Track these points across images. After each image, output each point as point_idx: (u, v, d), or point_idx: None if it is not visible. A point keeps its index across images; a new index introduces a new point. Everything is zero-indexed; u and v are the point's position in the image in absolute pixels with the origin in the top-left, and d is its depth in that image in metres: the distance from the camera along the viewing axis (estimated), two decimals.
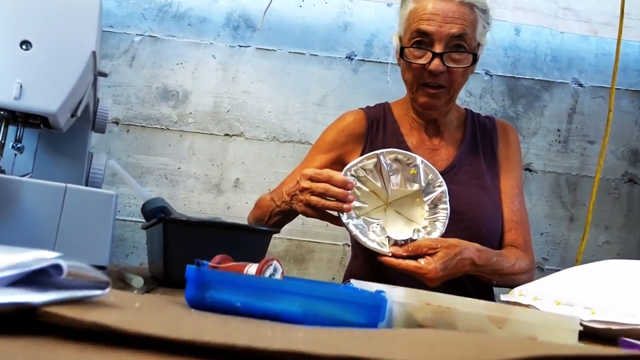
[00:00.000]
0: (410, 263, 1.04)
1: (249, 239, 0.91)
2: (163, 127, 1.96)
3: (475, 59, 1.23)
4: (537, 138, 2.00)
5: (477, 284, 1.30)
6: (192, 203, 1.93)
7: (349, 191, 1.03)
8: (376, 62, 1.99)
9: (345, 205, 1.01)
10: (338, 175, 1.03)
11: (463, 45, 1.20)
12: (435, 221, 1.11)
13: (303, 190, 1.05)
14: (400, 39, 1.27)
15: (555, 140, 2.00)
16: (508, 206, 1.34)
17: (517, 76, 2.02)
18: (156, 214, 0.98)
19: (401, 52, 1.24)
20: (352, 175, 1.09)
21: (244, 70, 2.00)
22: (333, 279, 1.92)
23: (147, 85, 1.98)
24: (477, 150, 1.36)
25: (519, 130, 2.00)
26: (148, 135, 1.96)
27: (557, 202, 1.98)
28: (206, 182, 1.95)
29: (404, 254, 1.05)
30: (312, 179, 1.04)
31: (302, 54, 2.01)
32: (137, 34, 2.00)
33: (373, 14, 2.01)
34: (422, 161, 1.11)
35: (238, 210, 1.93)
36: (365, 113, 1.40)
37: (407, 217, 1.15)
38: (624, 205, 1.98)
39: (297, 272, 1.93)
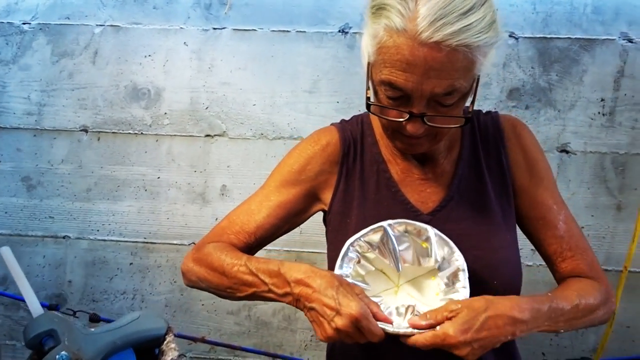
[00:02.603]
0: (428, 334, 0.77)
1: None
2: (136, 131, 1.64)
3: (467, 120, 0.83)
4: (575, 112, 1.56)
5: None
6: (176, 216, 1.63)
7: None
8: None
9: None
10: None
11: (453, 96, 0.80)
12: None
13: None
14: (369, 64, 0.86)
15: (599, 113, 1.56)
16: (552, 234, 0.95)
17: (549, 36, 1.56)
18: (43, 340, 0.69)
19: (367, 106, 0.85)
20: (357, 252, 0.87)
21: (221, 58, 1.62)
22: None
23: (114, 85, 1.64)
24: (480, 169, 0.96)
25: (553, 103, 1.56)
26: (121, 143, 1.64)
27: (601, 188, 1.56)
28: (189, 191, 1.64)
29: (424, 323, 0.78)
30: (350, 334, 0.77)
31: (287, 31, 1.61)
32: (97, 25, 1.64)
33: None
34: (435, 234, 0.86)
35: None
36: (339, 133, 1.02)
37: (421, 299, 0.89)
38: None
39: None
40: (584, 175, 1.56)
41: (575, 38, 1.55)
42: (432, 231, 0.87)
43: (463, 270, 0.86)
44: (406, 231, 0.88)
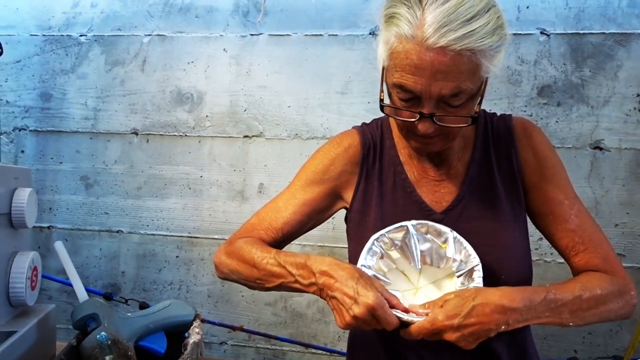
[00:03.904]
0: (419, 322, 0.82)
1: None
2: (181, 133, 1.77)
3: (474, 120, 0.88)
4: (609, 108, 1.55)
5: (514, 352, 1.01)
6: (217, 213, 1.75)
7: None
8: None
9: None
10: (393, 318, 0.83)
11: (460, 97, 0.86)
12: None
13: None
14: (384, 68, 0.93)
15: (635, 109, 1.54)
16: (563, 228, 0.97)
17: (582, 32, 1.56)
18: (87, 322, 0.81)
19: (381, 107, 0.92)
20: (381, 247, 0.93)
21: (258, 62, 1.72)
22: None
23: (160, 90, 1.78)
24: (491, 170, 1.01)
25: (586, 100, 1.56)
26: (167, 144, 1.78)
27: (636, 185, 1.54)
28: (229, 189, 1.75)
29: (420, 311, 0.84)
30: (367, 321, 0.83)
31: (320, 35, 1.69)
32: (146, 35, 1.78)
33: None
34: (454, 236, 0.92)
35: None
36: (360, 136, 1.09)
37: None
38: None
39: None
40: (619, 172, 1.55)
41: (610, 33, 1.54)
42: (451, 234, 0.93)
43: (478, 270, 0.90)
44: (427, 232, 0.93)
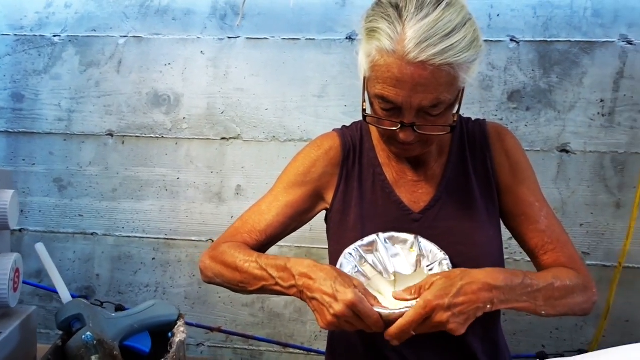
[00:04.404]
0: (410, 311, 0.83)
1: None
2: (157, 135, 1.77)
3: (453, 128, 0.94)
4: (575, 113, 1.62)
5: (487, 347, 1.05)
6: (194, 215, 1.76)
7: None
8: None
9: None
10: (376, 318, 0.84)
11: (439, 107, 0.90)
12: None
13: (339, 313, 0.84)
14: (365, 79, 0.97)
15: (598, 114, 1.62)
16: (534, 228, 1.03)
17: (549, 40, 1.62)
18: (71, 323, 0.81)
19: (364, 117, 0.96)
20: (354, 262, 0.96)
21: (235, 65, 1.74)
22: None
23: (136, 92, 1.77)
24: (467, 172, 1.05)
25: (553, 105, 1.63)
26: (143, 146, 1.77)
27: (600, 187, 1.62)
28: (207, 191, 1.76)
29: (408, 297, 0.87)
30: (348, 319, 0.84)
31: (297, 39, 1.71)
32: (121, 36, 1.77)
33: None
34: (419, 240, 0.97)
35: None
36: (340, 138, 1.12)
37: None
38: None
39: None
40: (584, 174, 1.62)
41: (575, 41, 1.61)
42: (414, 239, 0.97)
43: (446, 260, 0.94)
44: (394, 244, 0.98)
